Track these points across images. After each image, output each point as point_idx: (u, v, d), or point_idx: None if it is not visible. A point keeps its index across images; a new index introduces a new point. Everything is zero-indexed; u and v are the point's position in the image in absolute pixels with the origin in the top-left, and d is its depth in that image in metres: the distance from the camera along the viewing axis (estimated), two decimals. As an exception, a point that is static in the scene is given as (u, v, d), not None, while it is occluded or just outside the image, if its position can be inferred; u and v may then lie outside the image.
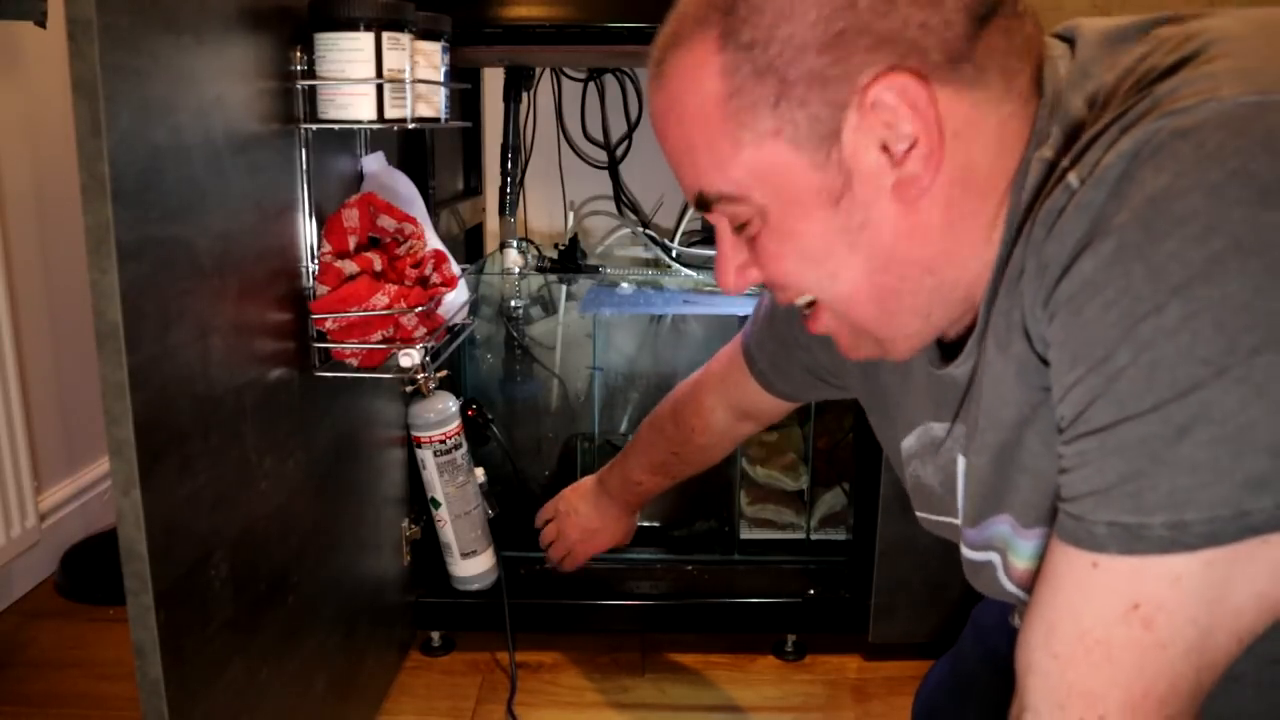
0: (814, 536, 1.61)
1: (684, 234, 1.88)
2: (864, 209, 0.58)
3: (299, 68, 0.99)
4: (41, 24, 1.35)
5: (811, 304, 0.65)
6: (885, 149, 0.56)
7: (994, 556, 0.68)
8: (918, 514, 0.79)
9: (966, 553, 0.72)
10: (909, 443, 0.75)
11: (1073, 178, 0.52)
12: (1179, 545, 0.48)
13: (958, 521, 0.72)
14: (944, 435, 0.69)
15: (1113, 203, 0.49)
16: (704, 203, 0.63)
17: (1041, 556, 0.62)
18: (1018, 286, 0.56)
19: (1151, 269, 0.47)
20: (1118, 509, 0.49)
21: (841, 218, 0.58)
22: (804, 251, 0.61)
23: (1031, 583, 0.63)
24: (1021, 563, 0.65)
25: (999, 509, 0.65)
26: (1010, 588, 0.67)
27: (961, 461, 0.69)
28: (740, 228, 0.63)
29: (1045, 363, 0.55)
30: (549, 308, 1.81)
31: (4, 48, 1.56)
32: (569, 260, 1.78)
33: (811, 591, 1.48)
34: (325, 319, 1.03)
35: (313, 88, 1.00)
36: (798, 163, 0.58)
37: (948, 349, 0.68)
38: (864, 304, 0.62)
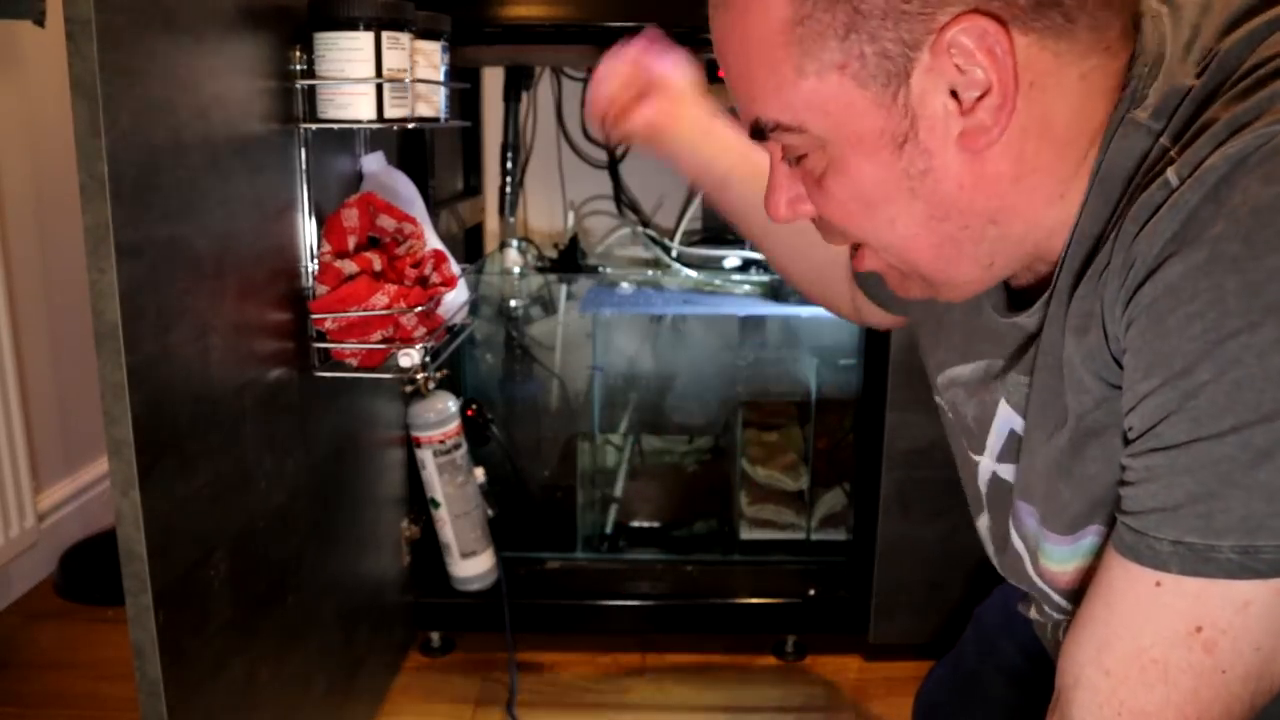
0: (814, 537, 1.61)
1: (684, 234, 1.88)
2: (927, 156, 0.55)
3: (298, 67, 0.99)
4: (40, 23, 1.35)
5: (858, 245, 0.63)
6: (954, 95, 0.53)
7: (1023, 550, 0.67)
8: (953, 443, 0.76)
9: (989, 527, 0.71)
10: (965, 371, 0.72)
11: (1173, 174, 0.49)
12: (1248, 571, 0.47)
13: (981, 459, 0.70)
14: (997, 373, 0.66)
15: (1208, 207, 0.47)
16: (759, 130, 0.59)
17: (1073, 560, 0.61)
18: (1101, 278, 0.53)
19: (1248, 284, 0.45)
20: (1185, 528, 0.48)
21: (904, 162, 0.55)
22: (862, 193, 0.57)
23: (1064, 583, 0.62)
24: (1052, 565, 0.63)
25: (1025, 496, 0.64)
26: (1039, 583, 0.66)
27: (1004, 407, 0.66)
28: (797, 160, 0.60)
29: (1118, 364, 0.53)
30: (549, 308, 1.81)
31: (2, 47, 1.56)
32: (569, 260, 1.78)
33: (811, 592, 1.48)
34: (325, 319, 1.03)
35: (312, 87, 1.00)
36: (861, 100, 0.54)
37: (1014, 296, 0.65)
38: (921, 251, 0.58)
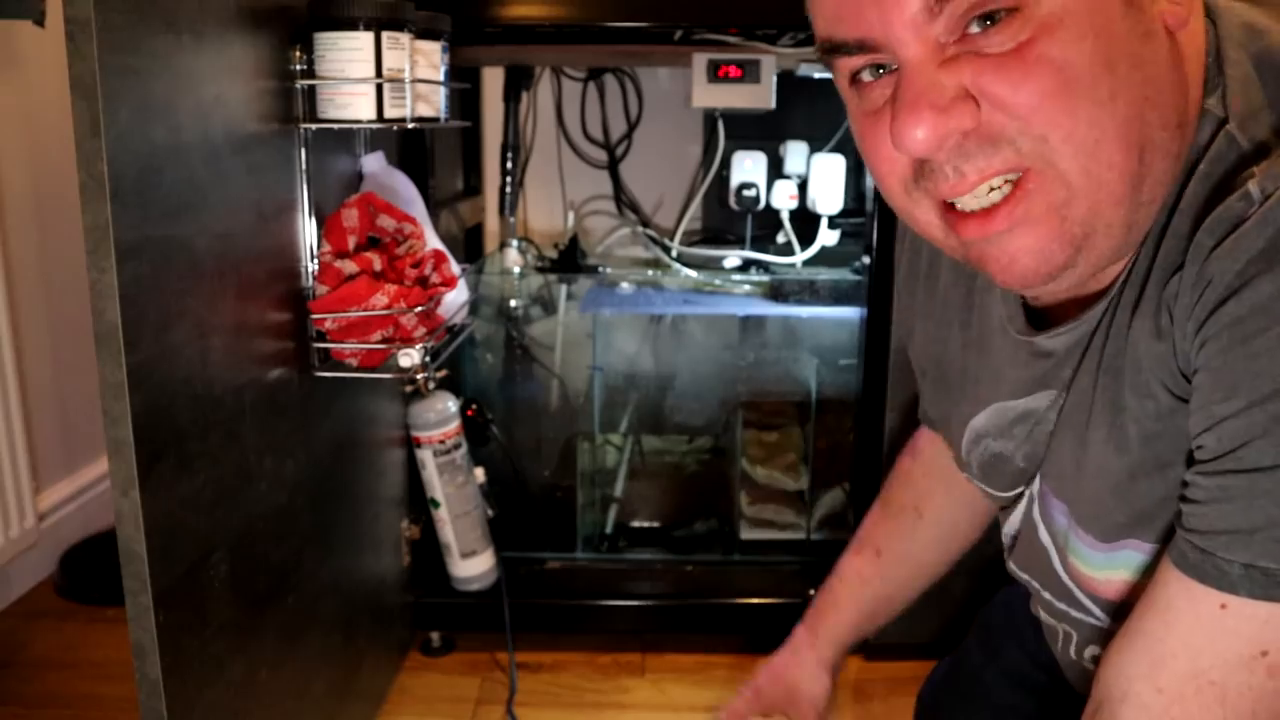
0: (814, 537, 1.61)
1: (684, 234, 1.88)
2: (1148, 20, 0.51)
3: (298, 67, 0.99)
4: (40, 23, 1.35)
5: (1010, 186, 0.53)
6: None
7: (1050, 544, 0.66)
8: (986, 490, 0.74)
9: (1016, 526, 0.70)
10: (979, 421, 0.71)
11: (1254, 187, 0.48)
12: None
13: (1028, 490, 0.69)
14: (1043, 407, 0.65)
15: None
16: None
17: (1108, 569, 0.60)
18: (1168, 283, 0.52)
19: None
20: (1258, 552, 0.47)
21: (1132, 20, 0.50)
22: (1096, 54, 0.49)
23: (1099, 590, 0.62)
24: (1084, 567, 0.62)
25: (1060, 494, 0.63)
26: (1067, 582, 0.66)
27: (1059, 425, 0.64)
28: (988, 19, 0.50)
29: (1186, 379, 0.52)
30: (549, 308, 1.81)
31: (2, 47, 1.56)
32: (569, 260, 1.78)
33: (812, 592, 1.47)
34: (325, 319, 1.03)
35: (312, 87, 1.00)
36: None
37: (1037, 320, 0.64)
38: (1118, 149, 0.50)
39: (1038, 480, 0.67)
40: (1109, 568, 0.60)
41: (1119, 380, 0.57)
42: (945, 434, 0.82)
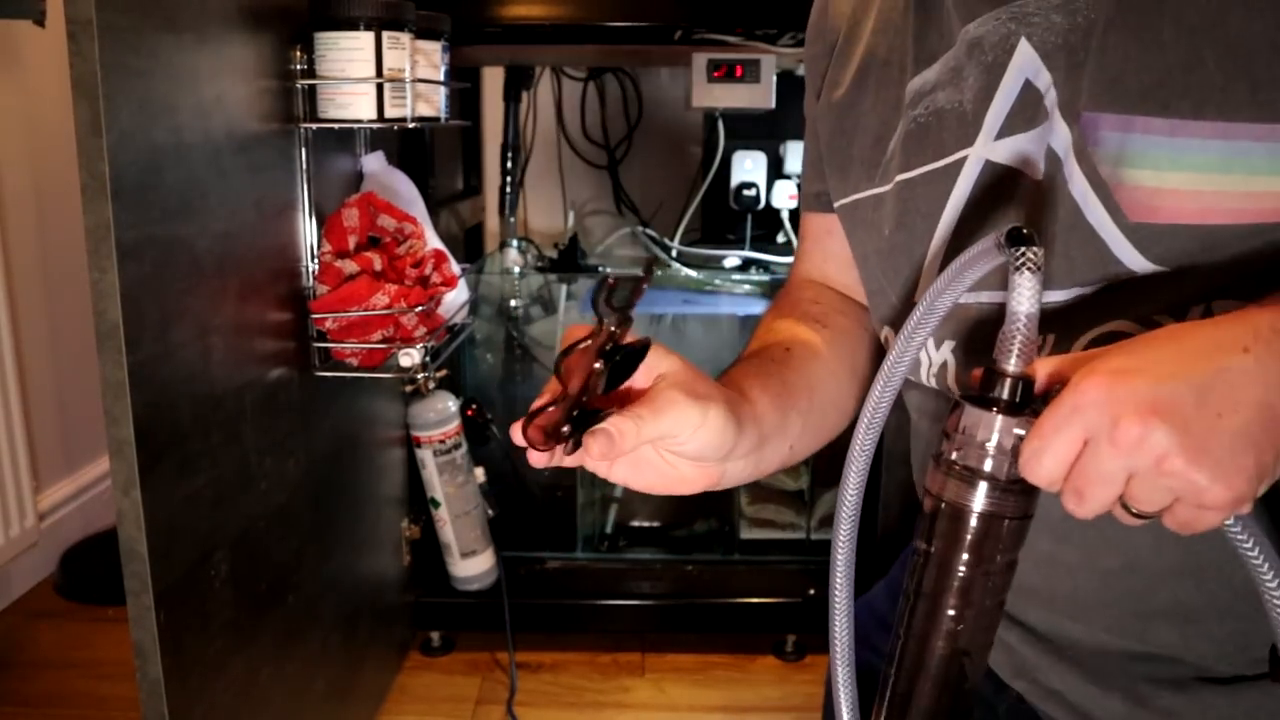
0: (814, 536, 1.61)
1: (684, 234, 1.88)
2: None
3: (299, 67, 0.99)
4: (40, 23, 1.35)
5: None
6: None
7: (1086, 190, 0.52)
8: (900, 178, 0.61)
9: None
10: (927, 76, 0.60)
11: None
12: None
13: (971, 149, 0.57)
14: (994, 34, 0.55)
15: None
16: None
17: (1189, 168, 0.49)
18: None
19: None
20: None
21: None
22: None
23: (1155, 209, 0.49)
24: (1149, 177, 0.49)
25: (1119, 102, 0.50)
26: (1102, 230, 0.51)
27: (1023, 48, 0.53)
28: None
29: None
30: (549, 307, 1.81)
31: (3, 47, 1.56)
32: (569, 260, 1.78)
33: (812, 591, 1.48)
34: (325, 319, 1.03)
35: (313, 87, 1.00)
36: None
37: None
38: None
39: (1075, 126, 0.52)
40: (1185, 165, 0.48)
41: None
42: (846, 168, 0.68)
